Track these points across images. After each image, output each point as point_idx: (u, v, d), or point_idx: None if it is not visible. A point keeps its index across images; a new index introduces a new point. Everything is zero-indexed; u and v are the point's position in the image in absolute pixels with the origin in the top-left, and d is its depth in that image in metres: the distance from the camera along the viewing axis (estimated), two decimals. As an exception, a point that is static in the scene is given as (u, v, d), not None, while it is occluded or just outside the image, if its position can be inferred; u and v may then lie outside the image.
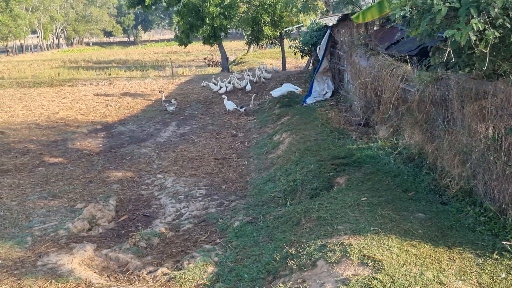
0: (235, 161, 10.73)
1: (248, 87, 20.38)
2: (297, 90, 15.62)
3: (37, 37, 78.30)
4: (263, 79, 22.53)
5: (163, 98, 18.36)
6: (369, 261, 4.49)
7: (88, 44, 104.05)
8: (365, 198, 6.03)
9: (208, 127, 14.66)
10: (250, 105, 16.36)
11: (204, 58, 47.61)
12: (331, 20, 16.36)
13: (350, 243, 4.87)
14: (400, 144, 7.90)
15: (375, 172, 7.01)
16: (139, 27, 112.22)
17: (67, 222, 7.41)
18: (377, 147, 8.05)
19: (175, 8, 27.53)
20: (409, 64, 7.70)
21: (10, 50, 68.89)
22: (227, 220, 7.24)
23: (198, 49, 64.45)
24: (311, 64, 24.19)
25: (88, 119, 16.57)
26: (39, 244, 6.72)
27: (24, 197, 8.71)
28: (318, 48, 15.75)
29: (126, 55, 61.04)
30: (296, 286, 4.53)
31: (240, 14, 25.85)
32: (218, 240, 6.62)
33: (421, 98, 6.72)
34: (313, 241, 5.25)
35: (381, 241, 4.82)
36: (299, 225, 6.03)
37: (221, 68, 31.31)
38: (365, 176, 6.91)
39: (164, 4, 27.63)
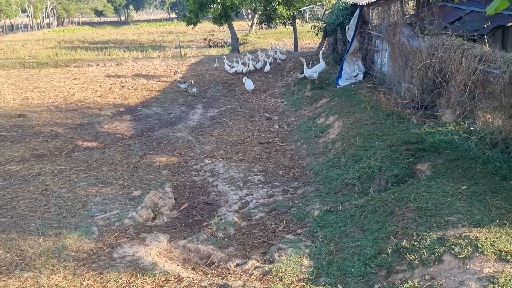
0: (280, 145, 10.36)
1: (267, 68, 19.99)
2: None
3: (27, 16, 76.24)
4: (279, 60, 22.08)
5: (178, 79, 17.90)
6: (508, 257, 4.19)
7: (78, 24, 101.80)
8: (465, 187, 5.71)
9: (237, 109, 14.21)
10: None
11: (204, 39, 46.75)
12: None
13: (477, 237, 4.56)
14: (473, 129, 7.57)
15: (459, 158, 6.69)
16: (131, 7, 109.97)
17: (130, 211, 7.01)
18: (448, 132, 7.71)
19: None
20: (486, 43, 7.33)
21: (0, 30, 67.08)
22: (301, 208, 6.89)
23: (194, 30, 63.35)
24: (324, 45, 23.73)
25: (107, 101, 16.01)
26: (107, 235, 6.33)
27: (72, 183, 8.26)
28: (346, 28, 15.27)
29: (121, 35, 59.74)
30: (428, 284, 4.22)
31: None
32: (299, 231, 6.28)
33: (510, 81, 6.37)
34: (425, 233, 4.93)
35: (511, 234, 4.52)
36: (395, 215, 5.71)
37: (222, 49, 30.71)
38: (450, 163, 6.59)
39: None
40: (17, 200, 7.53)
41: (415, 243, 4.82)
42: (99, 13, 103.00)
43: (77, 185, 8.18)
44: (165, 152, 10.12)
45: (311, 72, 14.84)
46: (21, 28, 76.46)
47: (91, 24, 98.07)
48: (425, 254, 4.59)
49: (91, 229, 6.42)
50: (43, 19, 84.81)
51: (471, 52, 7.41)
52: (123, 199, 7.55)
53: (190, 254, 5.88)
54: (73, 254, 5.77)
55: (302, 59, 15.65)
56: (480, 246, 4.39)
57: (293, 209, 6.94)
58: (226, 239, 6.21)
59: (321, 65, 14.94)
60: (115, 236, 6.31)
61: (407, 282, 4.33)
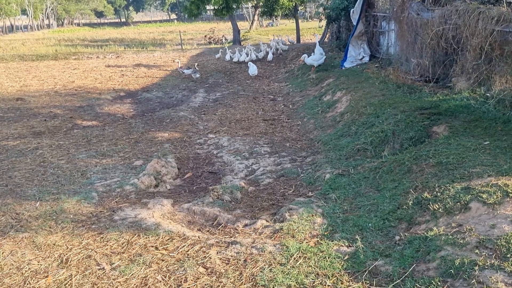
0: (286, 121, 10.03)
1: (270, 57, 19.72)
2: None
3: (27, 16, 76.01)
4: (281, 50, 21.84)
5: (179, 65, 17.63)
6: (542, 200, 3.86)
7: (78, 25, 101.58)
8: (488, 142, 5.39)
9: (240, 93, 13.89)
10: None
11: (205, 36, 46.39)
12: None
13: (506, 184, 4.22)
14: (489, 95, 7.25)
15: (477, 119, 6.37)
16: (131, 8, 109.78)
17: (131, 178, 6.68)
18: (464, 98, 7.39)
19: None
20: (504, 4, 7.02)
21: (0, 30, 66.86)
22: (311, 174, 6.57)
23: (194, 29, 63.31)
24: (327, 35, 23.44)
25: (108, 87, 15.68)
26: (108, 200, 6.00)
27: (71, 156, 7.93)
28: (351, 11, 14.97)
29: (121, 34, 59.43)
30: (455, 230, 3.89)
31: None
32: (309, 194, 5.95)
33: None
34: (448, 184, 4.60)
35: (543, 180, 4.19)
36: (412, 173, 5.37)
37: (223, 46, 30.38)
38: (469, 124, 6.27)
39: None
40: (13, 171, 7.22)
41: (438, 194, 4.49)
42: (99, 14, 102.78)
43: (76, 157, 7.86)
44: (167, 129, 9.80)
45: (311, 60, 14.57)
46: (21, 28, 76.21)
47: (91, 25, 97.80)
48: (450, 203, 4.26)
49: (91, 195, 6.09)
50: (43, 20, 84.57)
51: (488, 13, 7.10)
52: (124, 168, 7.22)
53: (195, 216, 5.55)
54: (71, 216, 5.44)
55: (304, 55, 15.34)
56: (510, 191, 4.06)
57: (302, 175, 6.61)
58: (233, 203, 5.88)
59: (316, 53, 14.61)
60: (116, 201, 5.98)
61: (432, 230, 4.00)
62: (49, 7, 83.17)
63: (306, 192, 6.05)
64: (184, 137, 9.14)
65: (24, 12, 75.36)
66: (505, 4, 7.17)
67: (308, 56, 14.73)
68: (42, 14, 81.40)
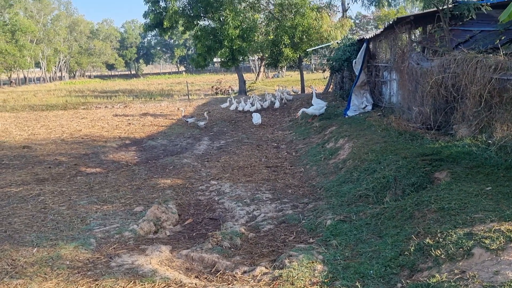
0: (289, 168, 10.01)
1: (277, 104, 20.25)
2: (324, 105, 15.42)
3: (40, 69, 78.36)
4: (286, 100, 22.19)
5: (183, 114, 17.96)
6: (547, 245, 3.75)
7: (89, 77, 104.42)
8: (490, 188, 5.32)
9: (244, 141, 13.98)
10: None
11: (212, 87, 47.34)
12: (368, 33, 15.99)
13: (509, 229, 4.13)
14: (490, 142, 7.23)
15: (479, 166, 6.32)
16: (141, 60, 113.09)
17: (130, 224, 6.62)
18: (466, 144, 7.37)
19: (192, 32, 27.35)
20: (501, 53, 7.15)
21: (13, 81, 68.79)
22: (312, 220, 6.47)
23: (201, 80, 64.67)
24: (331, 86, 23.85)
25: (114, 135, 15.88)
26: (106, 246, 5.91)
27: (72, 202, 7.91)
28: (353, 62, 15.30)
29: (130, 85, 60.83)
30: (458, 277, 3.77)
31: (259, 37, 25.64)
32: (311, 240, 5.84)
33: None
34: (450, 230, 4.50)
35: (546, 225, 4.09)
36: (414, 218, 5.28)
37: (228, 94, 31.02)
38: (471, 170, 6.22)
39: (181, 28, 27.42)
40: (13, 217, 7.19)
41: (440, 240, 4.39)
42: (110, 67, 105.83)
43: (77, 203, 7.83)
44: (170, 175, 9.81)
45: (313, 110, 14.88)
46: (34, 80, 78.40)
47: (102, 77, 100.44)
48: (452, 249, 4.15)
49: (89, 241, 6.02)
50: (56, 72, 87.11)
51: (485, 62, 7.22)
52: (124, 214, 7.17)
53: (193, 263, 5.44)
54: (67, 263, 5.35)
55: (303, 109, 15.75)
56: (513, 237, 3.96)
57: (303, 221, 6.52)
58: (232, 249, 5.77)
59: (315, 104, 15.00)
60: (114, 248, 5.89)
61: (435, 277, 3.88)
62: (62, 60, 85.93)
63: (307, 238, 5.94)
64: (187, 183, 9.12)
65: (37, 64, 77.82)
66: (501, 53, 7.30)
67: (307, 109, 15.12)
68: (55, 66, 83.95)
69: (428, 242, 4.44)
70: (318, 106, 14.63)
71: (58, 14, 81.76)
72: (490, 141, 7.32)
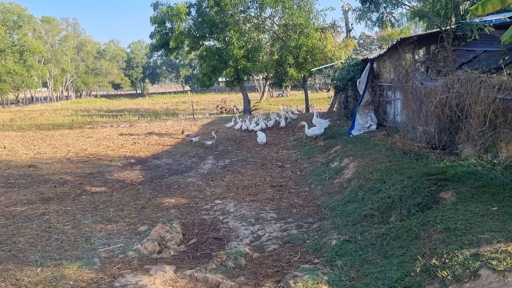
0: (294, 188, 10.00)
1: (283, 123, 20.49)
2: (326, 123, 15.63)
3: (47, 88, 79.25)
4: (290, 119, 22.29)
5: (185, 134, 18.15)
6: (555, 266, 3.71)
7: (96, 96, 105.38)
8: (496, 208, 5.29)
9: (249, 160, 14.00)
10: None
11: (217, 106, 47.64)
12: (372, 53, 16.12)
13: (516, 249, 4.09)
14: (496, 162, 7.21)
15: (485, 185, 6.29)
16: (147, 80, 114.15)
17: (135, 243, 6.60)
18: (471, 164, 7.35)
19: (197, 52, 27.66)
20: (504, 73, 7.18)
21: (20, 101, 69.53)
22: (317, 240, 6.43)
23: (206, 99, 65.03)
24: (335, 105, 23.93)
25: (119, 154, 15.95)
26: (110, 266, 5.89)
27: (76, 222, 7.92)
28: (357, 82, 15.40)
29: (136, 105, 61.26)
30: (465, 298, 3.72)
31: (264, 57, 25.89)
32: (315, 260, 5.79)
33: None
34: (456, 251, 4.46)
35: (554, 246, 4.05)
36: (420, 239, 5.24)
37: (234, 115, 31.18)
38: (476, 190, 6.19)
39: (187, 48, 27.75)
40: (18, 236, 7.20)
41: (446, 261, 4.35)
42: (116, 86, 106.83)
43: (81, 223, 7.84)
44: (174, 195, 9.81)
45: (312, 132, 15.04)
46: (40, 100, 79.23)
47: (108, 96, 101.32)
48: (459, 270, 4.11)
49: (93, 260, 6.00)
50: (62, 92, 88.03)
51: (489, 82, 7.26)
52: (128, 233, 7.16)
53: (197, 283, 5.40)
54: (71, 283, 5.33)
55: (304, 122, 15.97)
56: (520, 258, 3.92)
57: (308, 241, 6.47)
58: (236, 269, 5.73)
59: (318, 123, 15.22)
60: (118, 267, 5.87)
61: (441, 299, 3.83)
62: (69, 80, 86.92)
63: (312, 258, 5.89)
64: (191, 203, 9.12)
65: (44, 84, 78.73)
66: (505, 73, 7.33)
67: (309, 128, 15.23)
68: (62, 86, 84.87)
69: (434, 263, 4.40)
70: (315, 128, 14.88)
71: (66, 35, 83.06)
72: (495, 161, 7.30)
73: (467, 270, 4.06)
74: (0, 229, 7.54)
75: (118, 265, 5.93)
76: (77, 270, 5.67)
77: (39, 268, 5.75)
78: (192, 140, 17.09)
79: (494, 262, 4.00)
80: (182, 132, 19.89)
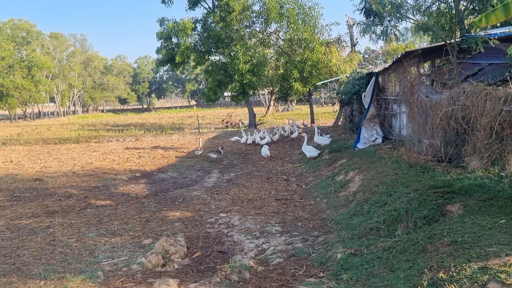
0: (299, 201, 9.93)
1: (295, 135, 21.01)
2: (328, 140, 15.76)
3: (54, 103, 79.90)
4: (298, 133, 22.28)
5: (200, 144, 18.44)
6: None
7: (102, 111, 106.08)
8: (504, 221, 5.21)
9: (254, 173, 13.96)
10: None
11: (222, 120, 47.77)
12: (377, 67, 16.16)
13: (525, 263, 4.02)
14: (503, 174, 7.13)
15: (492, 198, 6.22)
16: (153, 95, 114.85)
17: (139, 257, 6.56)
18: (478, 177, 7.27)
19: (203, 67, 27.85)
20: (510, 85, 7.15)
21: (28, 115, 70.10)
22: (322, 253, 6.35)
23: (212, 114, 65.32)
24: (341, 119, 23.91)
25: (124, 168, 15.97)
26: (113, 279, 5.85)
27: (81, 235, 7.90)
28: (363, 95, 15.40)
29: (142, 119, 61.58)
30: (473, 312, 3.65)
31: (269, 71, 26.01)
32: (321, 274, 5.71)
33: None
34: (464, 264, 4.39)
35: None
36: (427, 252, 5.16)
37: (238, 127, 31.28)
38: (484, 202, 6.11)
39: (193, 63, 27.95)
40: (22, 249, 7.18)
41: (454, 274, 4.27)
42: (122, 101, 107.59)
43: (86, 236, 7.81)
44: (179, 208, 9.77)
45: (311, 150, 15.07)
46: (48, 114, 79.84)
47: (115, 111, 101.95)
48: (467, 284, 4.03)
49: (96, 274, 5.96)
50: (69, 107, 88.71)
51: (495, 94, 7.22)
52: (132, 247, 7.12)
53: (201, 297, 5.34)
54: (74, 296, 5.29)
55: (304, 134, 16.03)
56: (530, 271, 3.85)
57: (313, 254, 6.40)
58: (241, 283, 5.66)
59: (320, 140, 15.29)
60: (121, 281, 5.82)
61: (449, 313, 3.75)
62: (76, 95, 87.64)
63: (317, 272, 5.82)
64: (196, 216, 9.08)
65: (52, 99, 79.40)
66: (511, 85, 7.30)
67: (307, 144, 15.31)
68: (69, 101, 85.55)
69: (441, 277, 4.33)
70: (311, 149, 15.07)
71: (73, 50, 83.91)
72: (502, 174, 7.22)
73: (475, 284, 3.99)
74: (5, 242, 7.53)
75: (121, 279, 5.89)
76: (81, 284, 5.64)
77: (43, 281, 5.72)
78: (195, 153, 17.17)
79: (503, 276, 3.93)
80: (196, 148, 20.12)
